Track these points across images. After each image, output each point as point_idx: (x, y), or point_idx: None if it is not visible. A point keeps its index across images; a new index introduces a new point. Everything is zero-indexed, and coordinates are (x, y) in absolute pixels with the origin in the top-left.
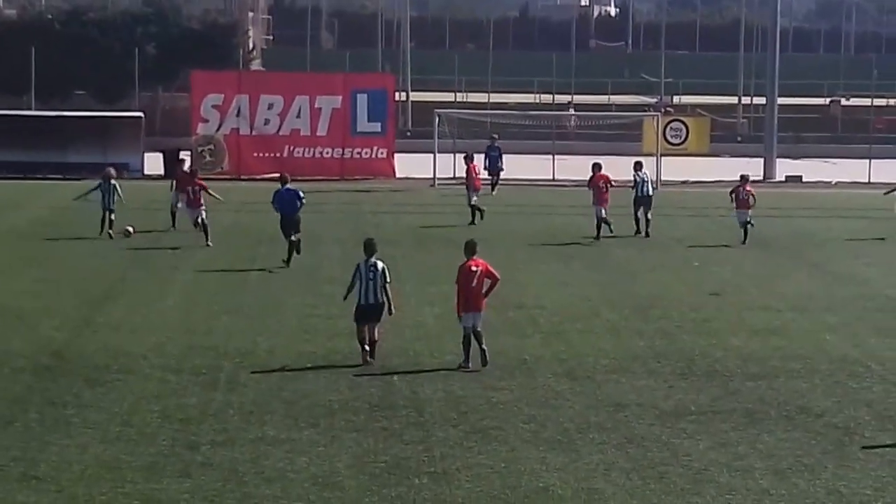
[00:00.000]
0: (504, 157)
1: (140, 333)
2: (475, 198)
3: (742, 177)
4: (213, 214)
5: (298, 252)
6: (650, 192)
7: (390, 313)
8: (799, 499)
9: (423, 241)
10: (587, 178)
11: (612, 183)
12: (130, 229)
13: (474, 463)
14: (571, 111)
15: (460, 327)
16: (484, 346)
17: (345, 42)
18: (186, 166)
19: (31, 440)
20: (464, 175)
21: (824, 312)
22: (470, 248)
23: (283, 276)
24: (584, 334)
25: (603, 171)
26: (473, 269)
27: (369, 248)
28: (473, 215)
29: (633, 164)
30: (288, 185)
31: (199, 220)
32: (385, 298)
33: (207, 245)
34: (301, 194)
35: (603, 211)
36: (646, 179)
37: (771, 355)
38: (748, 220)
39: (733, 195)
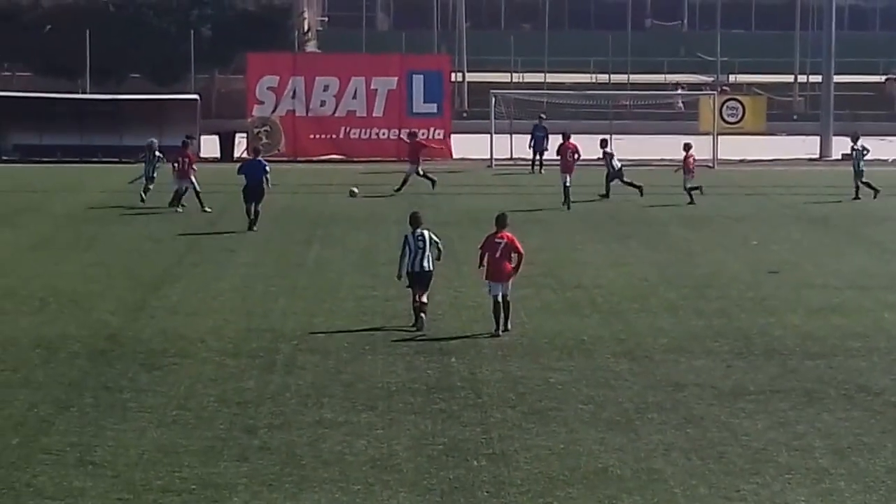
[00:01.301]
0: (550, 137)
1: (196, 317)
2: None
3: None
4: (268, 197)
5: (255, 223)
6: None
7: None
8: (859, 478)
9: (479, 221)
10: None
11: (579, 153)
12: (356, 190)
13: (532, 444)
14: (680, 91)
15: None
16: (510, 316)
17: (400, 23)
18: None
19: (87, 425)
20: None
21: (884, 290)
22: (500, 222)
23: (339, 257)
24: (641, 314)
25: (571, 141)
26: (497, 241)
27: (414, 220)
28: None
29: (599, 142)
30: (259, 158)
31: (185, 188)
32: (433, 266)
33: (205, 210)
34: (267, 168)
35: (568, 179)
36: (609, 155)
37: (830, 334)
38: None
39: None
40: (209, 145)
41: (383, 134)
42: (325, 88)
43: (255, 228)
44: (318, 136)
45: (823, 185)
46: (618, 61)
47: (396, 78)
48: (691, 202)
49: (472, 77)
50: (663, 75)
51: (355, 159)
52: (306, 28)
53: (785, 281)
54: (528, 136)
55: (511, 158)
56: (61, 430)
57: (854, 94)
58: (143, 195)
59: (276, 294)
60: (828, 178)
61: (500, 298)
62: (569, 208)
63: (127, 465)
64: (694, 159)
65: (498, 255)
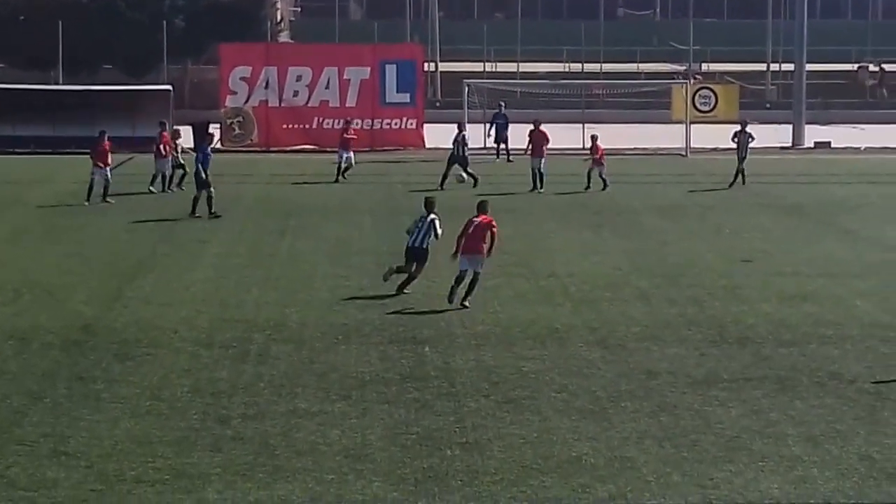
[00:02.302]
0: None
1: (170, 307)
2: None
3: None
4: (241, 187)
5: (210, 206)
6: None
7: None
8: (831, 465)
9: (452, 211)
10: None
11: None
12: (463, 175)
13: (506, 433)
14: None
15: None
16: (473, 291)
17: (373, 13)
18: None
19: (61, 416)
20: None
21: (855, 278)
22: (481, 208)
23: (313, 247)
24: (614, 302)
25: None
26: (475, 220)
27: (428, 205)
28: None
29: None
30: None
31: (163, 170)
32: (429, 245)
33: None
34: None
35: (541, 163)
36: (459, 140)
37: (802, 322)
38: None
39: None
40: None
41: (356, 124)
42: (298, 78)
43: (210, 208)
44: (291, 127)
45: (795, 174)
46: (590, 50)
47: (369, 68)
48: (605, 187)
49: (445, 66)
50: (636, 64)
51: (328, 149)
52: (279, 18)
53: (757, 269)
54: (489, 125)
55: (484, 147)
56: (34, 421)
57: (826, 83)
58: (180, 187)
59: (250, 284)
60: (800, 166)
61: (468, 275)
62: (542, 188)
63: (100, 455)
64: (602, 150)
65: (471, 231)
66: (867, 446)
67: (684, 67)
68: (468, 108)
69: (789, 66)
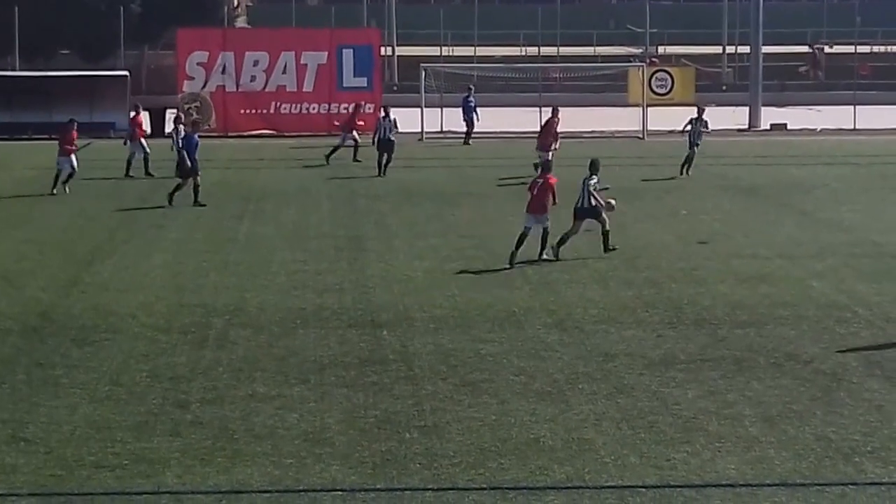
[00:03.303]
0: (479, 109)
1: (128, 293)
2: None
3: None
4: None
5: (196, 194)
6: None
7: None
8: (788, 445)
9: (411, 195)
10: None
11: None
12: (613, 202)
13: (465, 416)
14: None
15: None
16: (546, 244)
17: None
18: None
19: (19, 402)
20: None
21: (811, 259)
22: (544, 167)
23: (271, 232)
24: (572, 285)
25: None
26: (539, 180)
27: (592, 166)
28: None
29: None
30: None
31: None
32: (595, 201)
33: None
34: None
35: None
36: (386, 126)
37: (759, 303)
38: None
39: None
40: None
41: (314, 108)
42: (255, 63)
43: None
44: (248, 112)
45: (752, 155)
46: (547, 34)
47: (326, 52)
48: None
49: (401, 51)
50: (593, 48)
51: (286, 134)
52: (236, 3)
53: (714, 251)
54: (460, 109)
55: (442, 131)
56: None
57: (782, 65)
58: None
59: (208, 269)
60: (757, 148)
61: (529, 232)
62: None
63: (59, 441)
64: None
65: (535, 192)
66: (823, 426)
67: (641, 50)
68: (425, 91)
69: (745, 49)
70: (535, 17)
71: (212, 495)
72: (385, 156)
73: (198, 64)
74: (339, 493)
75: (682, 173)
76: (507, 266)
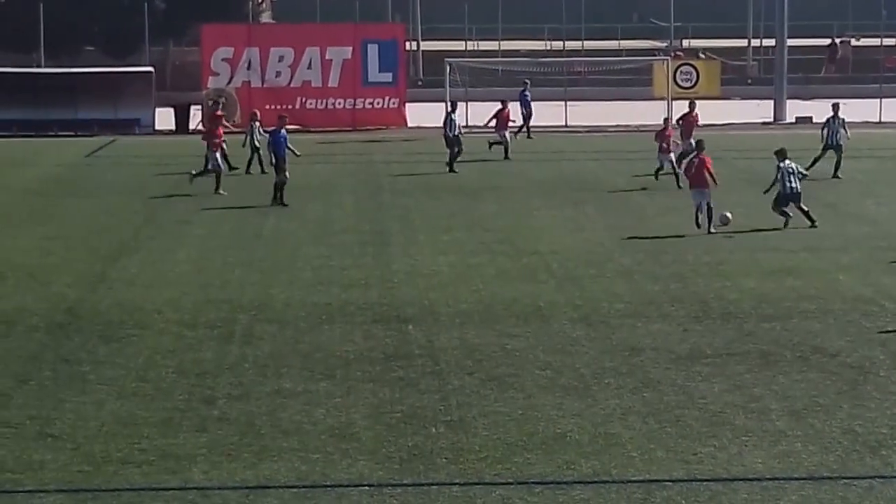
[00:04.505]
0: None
1: (154, 288)
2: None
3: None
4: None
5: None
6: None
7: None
8: (815, 439)
9: (435, 190)
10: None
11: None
12: (728, 215)
13: (491, 411)
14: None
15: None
16: (711, 219)
17: None
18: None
19: (46, 398)
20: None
21: (837, 252)
22: (699, 146)
23: (296, 227)
24: (597, 279)
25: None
26: (694, 160)
27: (781, 153)
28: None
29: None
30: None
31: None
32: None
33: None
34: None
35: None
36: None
37: (785, 296)
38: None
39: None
40: (164, 118)
41: (339, 104)
42: (280, 59)
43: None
44: (273, 107)
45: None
46: (572, 28)
47: (351, 47)
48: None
49: (426, 45)
50: (617, 41)
51: (311, 129)
52: None
53: (740, 245)
54: (518, 103)
55: (466, 126)
56: (20, 404)
57: (808, 58)
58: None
59: (233, 265)
60: (782, 141)
61: (702, 206)
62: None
63: (86, 437)
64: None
65: (693, 171)
66: (850, 420)
67: (665, 44)
68: (450, 86)
69: (770, 42)
70: (559, 10)
71: (238, 491)
72: (456, 149)
73: (223, 60)
74: (366, 488)
75: (835, 175)
76: (697, 227)
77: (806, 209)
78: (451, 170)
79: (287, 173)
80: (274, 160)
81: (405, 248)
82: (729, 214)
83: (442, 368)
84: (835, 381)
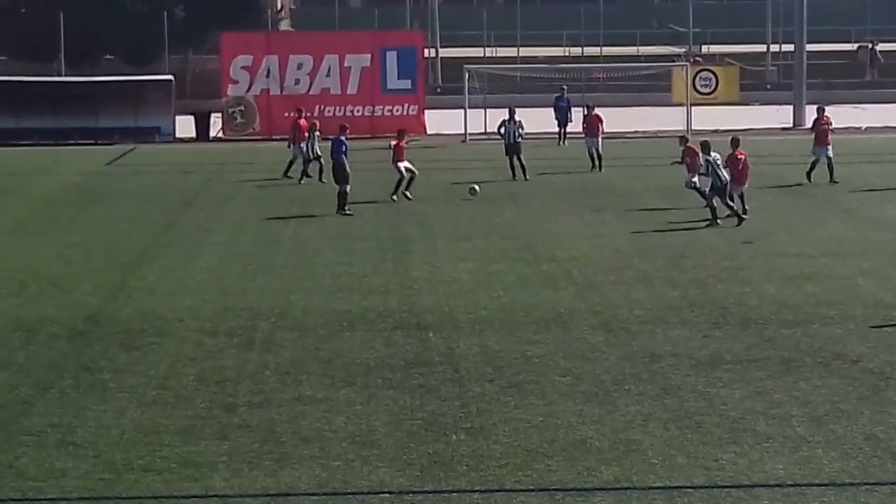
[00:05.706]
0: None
1: (174, 296)
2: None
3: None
4: (244, 175)
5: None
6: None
7: None
8: (836, 445)
9: (454, 197)
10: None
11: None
12: (476, 188)
13: (511, 417)
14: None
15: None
16: (745, 208)
17: (373, 0)
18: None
19: (68, 406)
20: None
21: (857, 258)
22: (734, 142)
23: (316, 234)
24: (617, 286)
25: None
26: (738, 157)
27: (705, 146)
28: None
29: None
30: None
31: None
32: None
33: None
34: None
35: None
36: (512, 129)
37: (805, 302)
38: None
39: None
40: (184, 126)
41: (358, 111)
42: (299, 67)
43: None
44: (292, 115)
45: (797, 154)
46: (590, 34)
47: (370, 55)
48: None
49: (445, 52)
50: (636, 47)
51: (330, 137)
52: (279, 6)
53: (759, 250)
54: (552, 109)
55: (485, 133)
56: (42, 412)
57: (827, 63)
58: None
59: (254, 272)
60: (801, 146)
61: (735, 197)
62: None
63: (108, 445)
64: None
65: (740, 167)
66: (871, 426)
67: (684, 50)
68: (469, 93)
69: (789, 47)
70: (577, 17)
71: (259, 498)
72: (515, 158)
73: (242, 68)
74: (387, 495)
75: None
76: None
77: (731, 204)
78: (514, 177)
79: (348, 185)
80: (334, 169)
81: (425, 255)
82: (477, 187)
83: (462, 375)
84: (856, 387)
